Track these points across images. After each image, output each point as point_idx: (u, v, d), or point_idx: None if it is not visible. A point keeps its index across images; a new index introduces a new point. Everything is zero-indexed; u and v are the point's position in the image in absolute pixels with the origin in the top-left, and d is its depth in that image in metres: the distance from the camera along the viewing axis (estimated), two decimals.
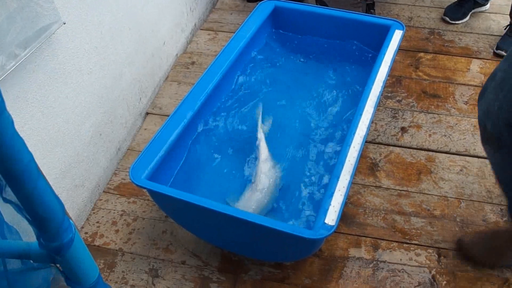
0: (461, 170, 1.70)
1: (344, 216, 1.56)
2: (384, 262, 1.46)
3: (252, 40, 1.79)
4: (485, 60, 2.15)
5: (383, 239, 1.51)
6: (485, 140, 1.24)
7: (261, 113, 1.69)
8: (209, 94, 1.55)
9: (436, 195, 1.62)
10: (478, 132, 1.29)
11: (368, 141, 1.80)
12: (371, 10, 2.33)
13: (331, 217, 1.15)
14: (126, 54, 1.73)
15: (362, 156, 1.74)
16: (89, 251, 0.84)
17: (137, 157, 1.33)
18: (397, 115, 1.91)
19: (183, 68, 2.17)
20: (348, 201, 1.61)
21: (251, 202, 1.42)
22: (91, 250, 1.51)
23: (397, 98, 1.98)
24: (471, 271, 1.42)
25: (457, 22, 2.36)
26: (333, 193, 1.21)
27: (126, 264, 1.48)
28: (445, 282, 1.40)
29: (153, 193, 1.32)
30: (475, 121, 1.85)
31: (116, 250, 1.52)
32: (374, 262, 1.46)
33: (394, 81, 2.06)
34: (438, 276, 1.42)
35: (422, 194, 1.63)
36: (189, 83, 2.07)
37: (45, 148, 1.35)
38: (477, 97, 1.27)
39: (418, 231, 1.53)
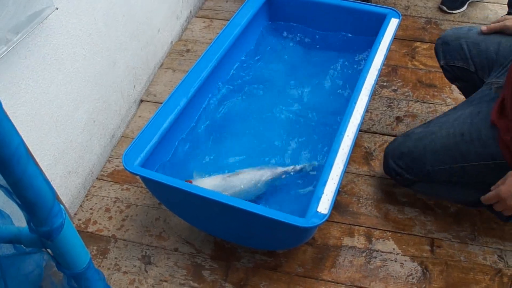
0: None
1: (338, 205, 1.57)
2: (377, 251, 1.46)
3: (246, 28, 1.77)
4: None
5: (376, 228, 1.52)
6: None
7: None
8: (203, 81, 1.54)
9: None
10: None
11: (362, 130, 1.80)
12: None
13: (324, 206, 1.15)
14: (120, 41, 1.71)
15: (357, 145, 1.74)
16: (80, 237, 0.84)
17: (130, 144, 1.32)
18: (392, 104, 1.90)
19: (178, 56, 2.15)
20: (341, 190, 1.61)
21: (221, 185, 1.39)
22: (84, 236, 1.51)
23: (393, 87, 1.98)
24: (464, 261, 1.43)
25: (454, 11, 2.35)
26: (326, 181, 1.20)
27: (119, 251, 1.48)
28: (437, 272, 1.41)
29: (146, 180, 1.32)
30: None
31: (109, 236, 1.52)
32: (367, 251, 1.46)
33: (390, 70, 2.05)
34: (430, 266, 1.42)
35: None
36: (184, 71, 2.06)
37: (38, 134, 1.34)
38: None
39: (412, 221, 1.53)
